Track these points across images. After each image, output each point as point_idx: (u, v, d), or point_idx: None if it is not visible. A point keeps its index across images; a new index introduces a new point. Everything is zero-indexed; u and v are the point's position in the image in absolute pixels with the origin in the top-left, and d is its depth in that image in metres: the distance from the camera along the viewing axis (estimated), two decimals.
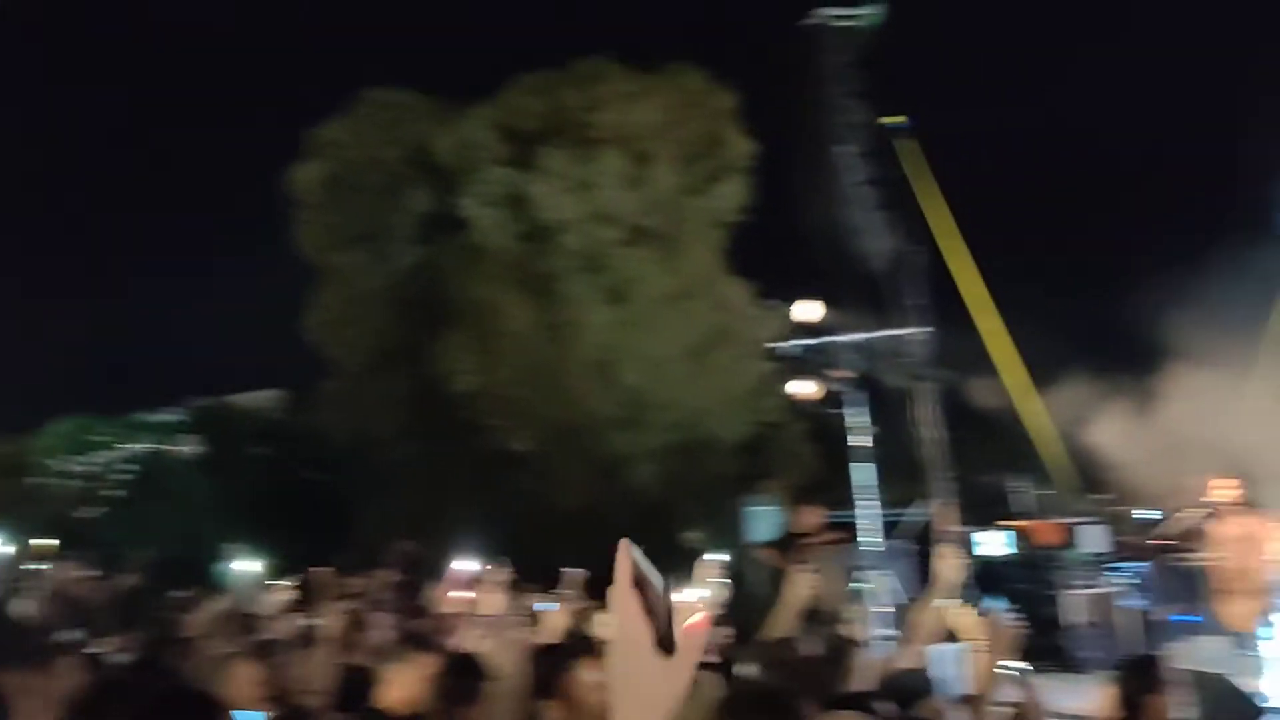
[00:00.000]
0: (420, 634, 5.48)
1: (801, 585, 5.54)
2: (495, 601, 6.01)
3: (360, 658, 5.21)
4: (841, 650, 4.95)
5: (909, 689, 4.96)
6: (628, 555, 1.87)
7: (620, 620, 1.86)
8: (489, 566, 7.10)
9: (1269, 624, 9.54)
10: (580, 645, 4.49)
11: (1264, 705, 8.64)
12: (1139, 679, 4.99)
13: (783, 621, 5.42)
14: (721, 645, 5.46)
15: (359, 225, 21.03)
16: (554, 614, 5.53)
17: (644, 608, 1.86)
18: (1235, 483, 10.12)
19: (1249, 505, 9.98)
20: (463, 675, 4.40)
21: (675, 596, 1.90)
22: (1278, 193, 15.92)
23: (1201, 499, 14.34)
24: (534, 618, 6.06)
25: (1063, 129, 16.04)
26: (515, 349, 19.33)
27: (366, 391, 20.58)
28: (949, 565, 5.47)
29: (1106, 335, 15.26)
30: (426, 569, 9.08)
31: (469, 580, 7.25)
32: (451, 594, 7.20)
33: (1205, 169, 15.98)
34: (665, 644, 1.86)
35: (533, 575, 8.44)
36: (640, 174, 19.82)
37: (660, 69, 20.61)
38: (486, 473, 19.06)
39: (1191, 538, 14.23)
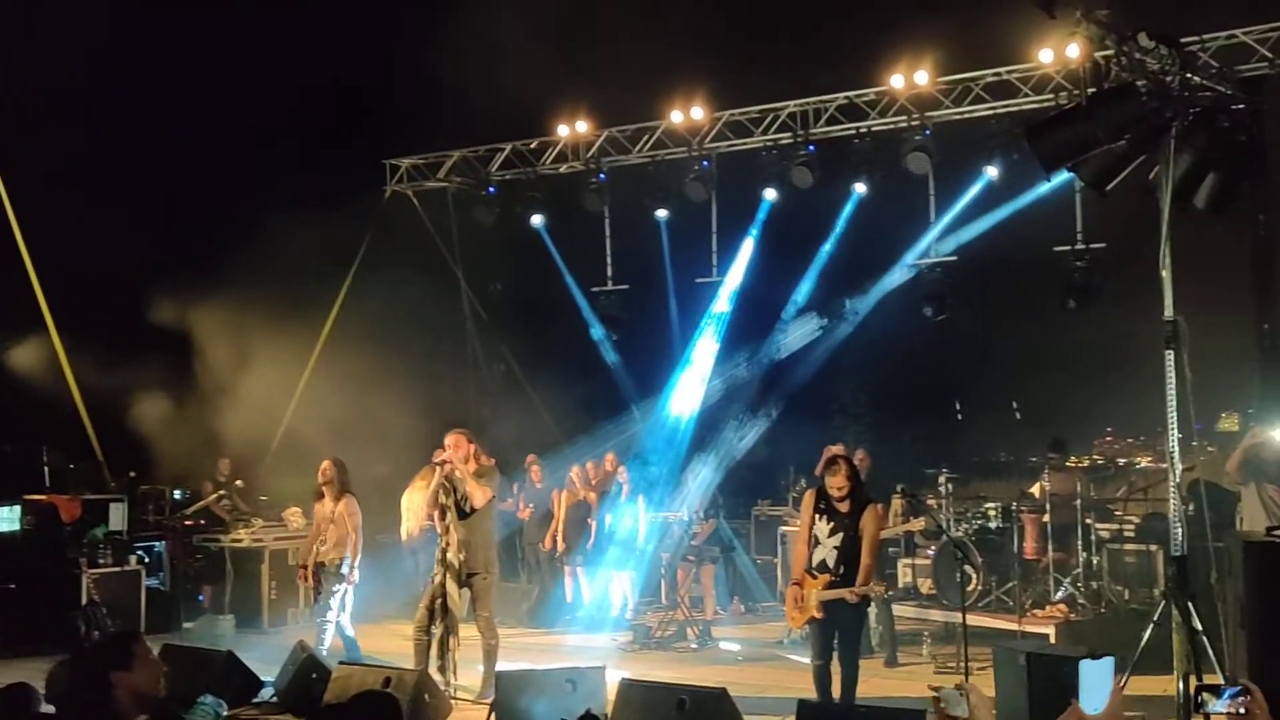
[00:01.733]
0: None
1: None
2: None
3: None
4: None
5: None
6: None
7: None
8: None
9: (330, 599, 10.33)
10: None
11: (267, 680, 9.26)
12: (104, 656, 5.00)
13: None
14: None
15: None
16: None
17: None
18: (328, 465, 10.58)
19: (341, 487, 10.52)
20: None
21: None
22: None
23: (220, 479, 15.12)
24: None
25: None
26: None
27: None
28: None
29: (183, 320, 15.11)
30: None
31: None
32: None
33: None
34: None
35: None
36: None
37: None
38: None
39: (210, 518, 14.92)
